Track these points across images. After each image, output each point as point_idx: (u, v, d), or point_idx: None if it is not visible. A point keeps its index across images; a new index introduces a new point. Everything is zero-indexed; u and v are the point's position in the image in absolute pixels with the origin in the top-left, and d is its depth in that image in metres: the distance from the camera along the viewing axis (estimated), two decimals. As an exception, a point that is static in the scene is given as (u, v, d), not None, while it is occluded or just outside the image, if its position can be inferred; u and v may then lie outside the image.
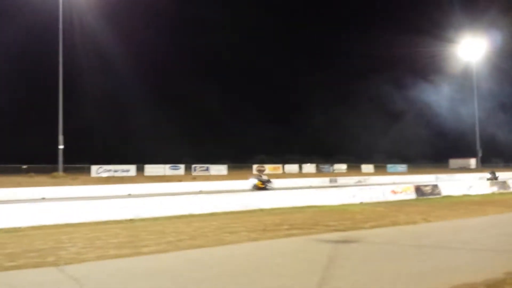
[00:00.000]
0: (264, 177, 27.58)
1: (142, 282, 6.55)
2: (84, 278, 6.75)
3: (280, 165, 54.95)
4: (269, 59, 69.72)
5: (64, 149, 37.30)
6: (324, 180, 38.07)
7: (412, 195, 23.33)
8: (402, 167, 63.43)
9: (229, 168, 50.66)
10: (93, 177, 39.74)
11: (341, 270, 7.20)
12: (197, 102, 63.14)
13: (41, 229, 12.39)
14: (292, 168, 55.78)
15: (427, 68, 67.71)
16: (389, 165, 62.82)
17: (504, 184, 28.88)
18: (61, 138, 37.00)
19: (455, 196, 24.26)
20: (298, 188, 26.80)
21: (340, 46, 75.83)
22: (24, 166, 40.93)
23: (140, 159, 45.72)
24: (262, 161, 54.65)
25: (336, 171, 56.82)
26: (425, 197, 23.54)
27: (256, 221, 13.46)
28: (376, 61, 68.57)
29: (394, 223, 13.26)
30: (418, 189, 24.04)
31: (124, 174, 42.77)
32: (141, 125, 56.44)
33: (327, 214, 15.66)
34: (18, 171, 40.00)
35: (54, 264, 7.79)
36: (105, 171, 42.11)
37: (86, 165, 42.45)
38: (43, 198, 21.58)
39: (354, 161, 60.93)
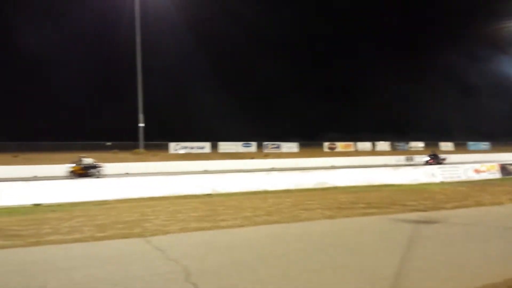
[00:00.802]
0: (88, 161, 22.77)
1: (223, 255, 6.77)
2: (169, 249, 7.08)
3: (351, 143, 53.84)
4: (339, 34, 67.73)
5: (143, 127, 39.22)
6: (400, 158, 36.76)
7: (496, 174, 21.95)
8: (485, 144, 59.49)
9: (300, 146, 50.57)
10: (171, 154, 41.57)
11: (422, 251, 6.95)
12: (269, 80, 63.22)
13: (127, 202, 13.24)
14: (365, 145, 54.43)
15: (506, 39, 61.58)
16: (470, 143, 59.19)
17: None
18: (141, 116, 38.89)
19: (546, 176, 22.46)
20: (372, 166, 26.05)
21: (410, 17, 71.59)
22: (109, 143, 43.69)
23: (214, 136, 46.97)
24: (333, 139, 53.88)
25: (412, 149, 54.62)
26: (511, 176, 22.03)
27: (330, 199, 13.37)
28: (450, 33, 63.99)
29: (478, 204, 12.57)
30: (504, 168, 22.52)
31: (200, 151, 44.25)
32: (214, 104, 57.63)
33: (405, 193, 15.16)
34: (102, 148, 42.79)
35: (141, 235, 8.28)
36: (182, 148, 43.87)
37: (165, 142, 44.45)
38: (127, 173, 22.94)
39: (432, 139, 58.07)
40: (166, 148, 44.01)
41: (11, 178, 18.16)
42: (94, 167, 22.44)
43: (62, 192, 13.59)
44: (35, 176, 20.60)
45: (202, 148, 45.27)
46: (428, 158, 31.96)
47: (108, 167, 24.54)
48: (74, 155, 33.84)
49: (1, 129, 43.85)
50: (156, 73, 53.06)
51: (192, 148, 44.47)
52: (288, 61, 66.18)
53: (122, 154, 37.72)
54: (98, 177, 20.46)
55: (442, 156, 32.93)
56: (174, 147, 44.13)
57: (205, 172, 23.81)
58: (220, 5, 59.87)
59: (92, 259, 6.58)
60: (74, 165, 22.06)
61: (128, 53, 42.23)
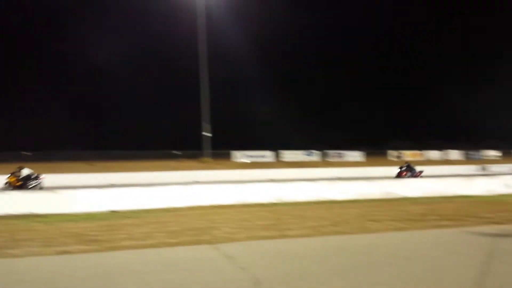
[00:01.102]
0: (26, 172, 20.58)
1: (291, 264, 6.77)
2: (237, 257, 7.20)
3: (420, 151, 51.77)
4: (405, 36, 65.51)
5: (207, 136, 40.37)
6: (474, 168, 34.75)
7: None
8: None
9: (365, 155, 49.46)
10: (236, 162, 42.29)
11: (502, 266, 6.54)
12: (332, 87, 62.54)
13: (196, 209, 13.66)
14: (435, 154, 52.11)
15: None
16: (552, 152, 54.72)
17: None
18: (206, 126, 40.03)
19: None
20: (444, 176, 24.84)
21: (480, 17, 67.50)
22: (178, 152, 45.22)
23: (277, 145, 47.18)
24: (400, 147, 52.14)
25: (487, 158, 51.47)
26: None
27: (400, 210, 12.96)
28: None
29: None
30: None
31: (263, 159, 44.62)
32: (277, 112, 57.94)
33: (480, 205, 14.36)
34: (170, 156, 44.36)
35: (210, 242, 8.50)
36: (246, 157, 44.51)
37: (229, 151, 45.33)
38: (196, 182, 23.55)
39: (509, 147, 54.35)
40: (230, 156, 44.87)
41: (89, 186, 19.37)
42: (35, 178, 20.88)
43: (136, 199, 14.33)
44: (111, 184, 21.75)
45: (265, 156, 45.63)
46: (399, 170, 26.71)
47: (177, 175, 25.46)
48: (146, 164, 35.52)
49: (77, 139, 47.08)
50: (219, 81, 54.23)
51: (255, 156, 44.97)
52: (351, 67, 65.16)
53: (188, 163, 38.91)
54: (39, 189, 19.55)
55: (418, 168, 27.49)
56: (238, 155, 44.88)
57: (270, 180, 23.92)
58: (280, 14, 60.36)
59: (165, 264, 6.85)
60: (9, 175, 20.43)
61: (192, 63, 43.77)
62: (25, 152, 38.80)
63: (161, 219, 11.50)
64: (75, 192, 15.32)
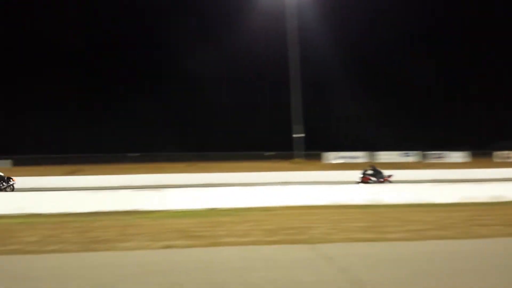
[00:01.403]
0: None
1: (393, 268, 6.54)
2: (335, 258, 7.13)
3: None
4: (505, 32, 59.62)
5: (298, 137, 40.55)
6: None
7: None
8: None
9: (468, 156, 46.10)
10: (328, 163, 41.85)
11: None
12: (431, 83, 59.22)
13: (290, 209, 13.81)
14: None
15: None
16: None
17: None
18: (297, 127, 40.24)
19: None
20: None
21: None
22: (271, 153, 45.93)
23: (371, 146, 45.91)
24: (508, 148, 47.89)
25: None
26: None
27: (510, 215, 11.93)
28: None
29: None
30: None
31: (356, 160, 43.59)
32: (371, 112, 56.32)
33: None
34: (261, 157, 45.18)
35: (306, 241, 8.50)
36: (338, 158, 43.90)
37: (320, 152, 45.02)
38: (287, 182, 23.78)
39: None
40: (322, 158, 44.54)
41: (189, 184, 20.54)
42: (7, 180, 21.54)
43: (233, 198, 14.90)
44: (209, 183, 22.75)
45: (358, 157, 44.56)
46: (362, 175, 22.94)
47: (270, 176, 25.86)
48: (241, 165, 36.61)
49: (178, 142, 50.06)
50: (311, 82, 53.98)
51: (348, 157, 44.15)
52: (452, 63, 61.06)
53: (281, 164, 39.30)
54: (11, 191, 20.41)
55: (386, 172, 23.27)
56: (331, 156, 44.38)
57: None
58: (370, 10, 58.56)
59: (263, 261, 6.98)
60: None
61: (282, 65, 44.24)
62: (132, 154, 42.14)
63: (258, 218, 11.78)
64: (177, 190, 16.34)
